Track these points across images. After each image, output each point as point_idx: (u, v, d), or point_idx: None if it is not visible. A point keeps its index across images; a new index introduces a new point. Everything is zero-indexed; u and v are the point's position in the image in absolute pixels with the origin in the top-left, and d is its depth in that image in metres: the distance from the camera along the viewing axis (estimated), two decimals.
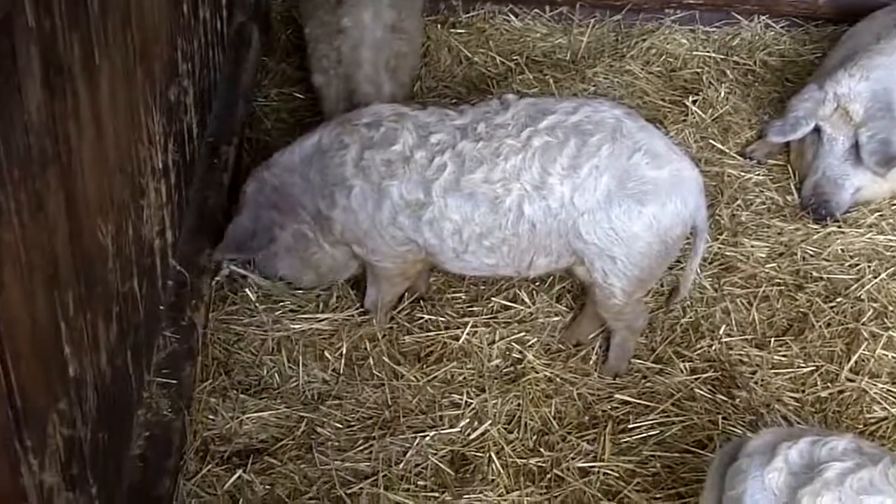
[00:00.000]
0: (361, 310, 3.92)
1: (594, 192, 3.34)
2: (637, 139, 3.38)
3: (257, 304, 3.90)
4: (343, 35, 4.25)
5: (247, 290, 3.93)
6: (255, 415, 3.54)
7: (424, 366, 3.74)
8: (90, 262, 2.62)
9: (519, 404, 3.62)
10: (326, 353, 3.76)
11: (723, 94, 5.06)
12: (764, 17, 5.59)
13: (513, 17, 5.53)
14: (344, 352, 3.76)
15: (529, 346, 3.82)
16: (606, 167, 3.33)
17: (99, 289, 2.70)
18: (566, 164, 3.34)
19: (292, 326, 3.84)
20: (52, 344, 2.38)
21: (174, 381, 3.36)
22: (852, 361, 3.79)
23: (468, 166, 3.39)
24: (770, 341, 3.89)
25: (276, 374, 3.70)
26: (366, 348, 3.79)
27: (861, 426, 3.60)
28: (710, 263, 4.16)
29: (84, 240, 2.56)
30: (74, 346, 2.51)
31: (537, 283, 4.05)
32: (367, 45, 4.24)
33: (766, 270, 4.18)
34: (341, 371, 3.72)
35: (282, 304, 3.93)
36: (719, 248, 4.23)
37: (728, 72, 5.26)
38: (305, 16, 4.55)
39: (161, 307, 3.47)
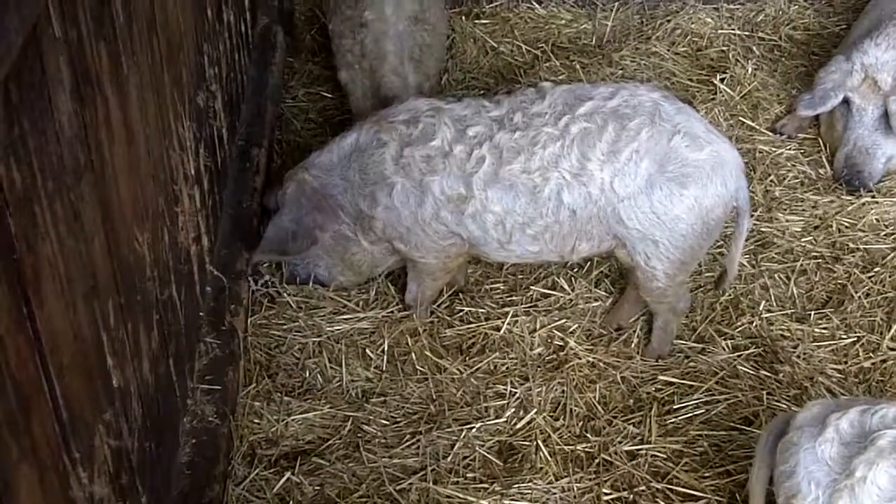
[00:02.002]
0: (400, 306, 3.92)
1: (635, 178, 3.32)
2: (676, 122, 3.35)
3: (297, 309, 3.90)
4: (366, 29, 4.26)
5: (285, 295, 3.94)
6: (301, 416, 3.55)
7: (467, 358, 3.74)
8: (128, 271, 2.63)
9: (563, 391, 3.61)
10: (368, 352, 3.77)
11: (750, 70, 5.03)
12: None
13: (536, 5, 5.53)
14: (386, 349, 3.76)
15: (571, 332, 3.81)
16: (647, 151, 3.31)
17: (138, 297, 2.71)
18: (606, 149, 3.32)
19: (333, 328, 3.85)
20: (95, 355, 2.38)
21: (218, 387, 3.37)
22: (893, 330, 3.77)
23: (506, 157, 3.38)
24: (810, 315, 3.87)
25: (318, 376, 3.70)
26: (407, 344, 3.79)
27: None
28: (746, 240, 4.11)
29: (121, 249, 2.57)
30: (117, 356, 2.51)
31: (575, 270, 4.03)
32: (390, 38, 4.25)
33: (803, 244, 4.16)
34: (384, 368, 3.72)
35: (321, 306, 3.94)
36: (755, 224, 4.21)
37: (754, 48, 5.24)
38: (329, 12, 4.56)
39: (201, 313, 3.48)
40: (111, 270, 2.47)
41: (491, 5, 5.49)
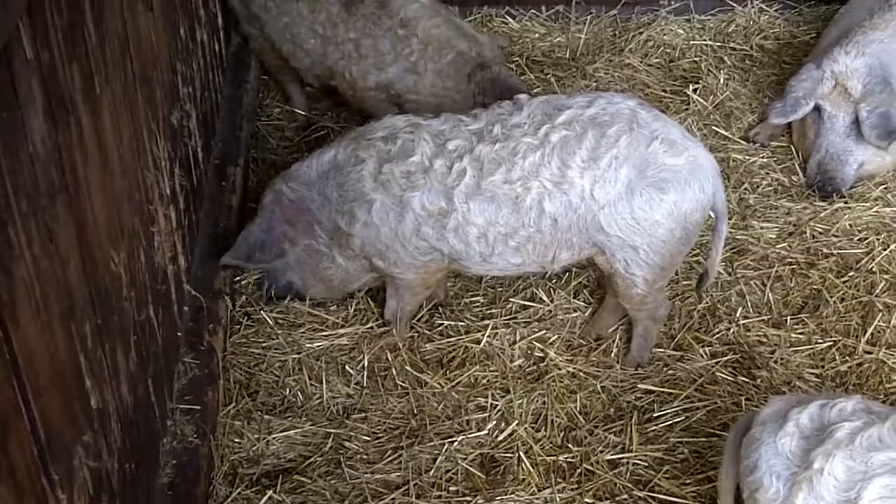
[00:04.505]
0: (380, 321, 3.92)
1: (615, 184, 3.33)
2: (653, 128, 3.38)
3: (276, 327, 3.90)
4: (413, 22, 4.41)
5: (263, 313, 3.93)
6: (282, 434, 3.54)
7: (448, 371, 3.74)
8: (105, 292, 2.62)
9: (544, 402, 3.61)
10: (348, 368, 3.76)
11: (722, 80, 5.08)
12: (757, 2, 5.65)
13: (510, 19, 5.56)
14: (366, 364, 3.76)
15: (550, 343, 3.82)
16: (626, 157, 3.33)
17: (116, 318, 2.71)
18: (586, 156, 3.34)
19: (312, 345, 3.84)
20: (73, 377, 2.38)
21: (197, 407, 3.36)
22: (868, 334, 3.80)
23: (487, 169, 3.38)
24: (786, 320, 3.90)
25: (299, 393, 3.69)
26: (387, 359, 3.79)
27: (882, 396, 3.60)
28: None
29: (97, 270, 2.56)
30: (95, 377, 2.51)
31: (554, 281, 4.05)
32: (443, 17, 4.47)
33: (778, 250, 4.19)
34: (364, 384, 3.72)
35: (300, 323, 3.93)
36: (730, 231, 4.23)
37: (726, 58, 5.28)
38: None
39: (179, 333, 3.47)
40: (87, 291, 2.47)
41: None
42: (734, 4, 5.61)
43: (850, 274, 4.06)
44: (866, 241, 4.22)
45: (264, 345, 3.85)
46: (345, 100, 4.65)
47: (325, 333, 3.89)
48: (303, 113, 4.94)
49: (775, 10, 5.62)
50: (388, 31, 4.34)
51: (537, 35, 5.49)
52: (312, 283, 3.86)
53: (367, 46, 4.36)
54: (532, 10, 5.58)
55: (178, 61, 3.64)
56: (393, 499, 3.33)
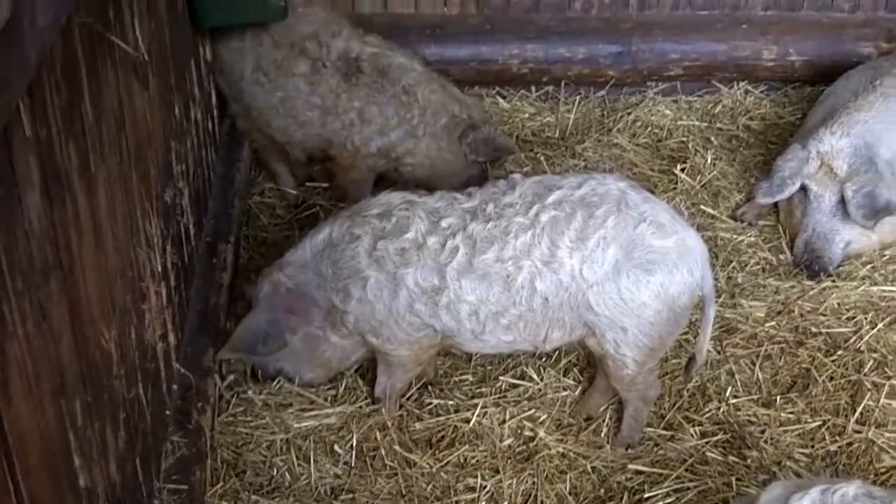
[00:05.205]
0: (369, 400, 3.90)
1: (602, 264, 3.36)
2: (642, 210, 3.41)
3: (264, 406, 3.87)
4: (415, 88, 4.62)
5: (249, 392, 3.91)
6: None
7: (437, 451, 3.71)
8: (95, 369, 2.61)
9: (534, 483, 3.59)
10: (336, 447, 3.73)
11: (709, 160, 5.13)
12: (743, 84, 5.72)
13: (501, 99, 5.63)
14: (354, 444, 3.73)
15: (541, 422, 3.81)
16: (613, 238, 3.35)
17: (105, 396, 2.69)
18: (574, 236, 3.36)
19: (300, 424, 3.81)
20: (62, 455, 2.36)
21: (184, 487, 3.31)
22: (857, 413, 3.80)
23: (480, 247, 3.40)
24: (776, 399, 3.89)
25: (286, 473, 3.65)
26: (376, 438, 3.76)
27: (872, 476, 3.58)
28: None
29: (89, 347, 2.56)
30: (84, 456, 2.49)
31: (544, 359, 4.04)
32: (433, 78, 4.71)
33: (766, 329, 4.20)
34: (353, 464, 3.69)
35: (289, 402, 3.90)
36: (719, 310, 4.25)
37: (713, 138, 5.34)
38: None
39: (167, 412, 3.45)
40: (78, 369, 2.46)
41: None
42: (720, 86, 5.70)
43: (839, 353, 4.07)
44: (854, 320, 4.24)
45: (252, 424, 3.82)
46: (334, 169, 4.72)
47: (313, 413, 3.86)
48: (293, 191, 4.98)
49: (761, 92, 5.71)
50: (391, 97, 4.52)
51: (527, 115, 5.55)
52: (310, 370, 3.84)
53: (372, 113, 4.51)
54: (522, 91, 5.66)
55: (172, 139, 3.67)
56: None
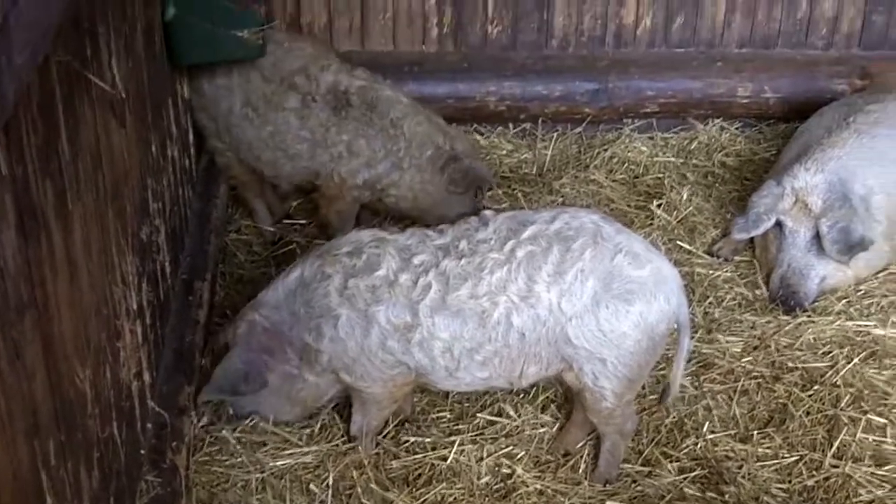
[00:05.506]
0: (345, 438, 3.88)
1: (581, 297, 3.36)
2: (617, 241, 3.43)
3: (240, 445, 3.84)
4: (402, 121, 4.65)
5: (224, 431, 3.88)
6: None
7: (414, 489, 3.69)
8: (70, 408, 2.59)
9: None
10: (312, 486, 3.70)
11: (685, 196, 5.16)
12: (718, 121, 5.78)
13: (478, 136, 5.66)
14: (331, 483, 3.70)
15: (518, 459, 3.79)
16: (591, 270, 3.37)
17: (79, 435, 2.67)
18: (552, 270, 3.37)
19: (276, 463, 3.78)
20: (35, 495, 2.33)
21: None
22: (834, 448, 3.81)
23: (453, 284, 3.41)
24: (753, 434, 3.90)
25: None
26: (353, 477, 3.73)
27: None
28: (688, 362, 4.16)
29: (63, 386, 2.54)
30: (57, 496, 2.46)
31: (521, 396, 4.04)
32: (420, 111, 4.76)
33: (743, 364, 4.21)
34: (329, 503, 3.66)
35: (265, 441, 3.87)
36: (696, 345, 4.26)
37: (689, 175, 5.39)
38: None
39: (142, 451, 3.42)
40: (52, 408, 2.44)
41: None
42: (696, 123, 5.75)
43: (816, 387, 4.08)
44: (830, 355, 4.26)
45: (227, 463, 3.79)
46: (319, 200, 4.74)
47: (289, 451, 3.83)
48: (270, 228, 4.98)
49: (736, 128, 5.76)
50: (380, 130, 4.56)
51: (505, 151, 5.58)
52: (289, 410, 3.82)
53: (360, 146, 4.54)
54: (500, 128, 5.69)
55: (148, 177, 3.67)
56: None
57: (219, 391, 3.66)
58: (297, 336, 3.61)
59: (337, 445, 3.86)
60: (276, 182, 4.78)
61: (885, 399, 4.04)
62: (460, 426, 3.93)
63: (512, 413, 3.97)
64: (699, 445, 3.85)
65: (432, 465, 3.78)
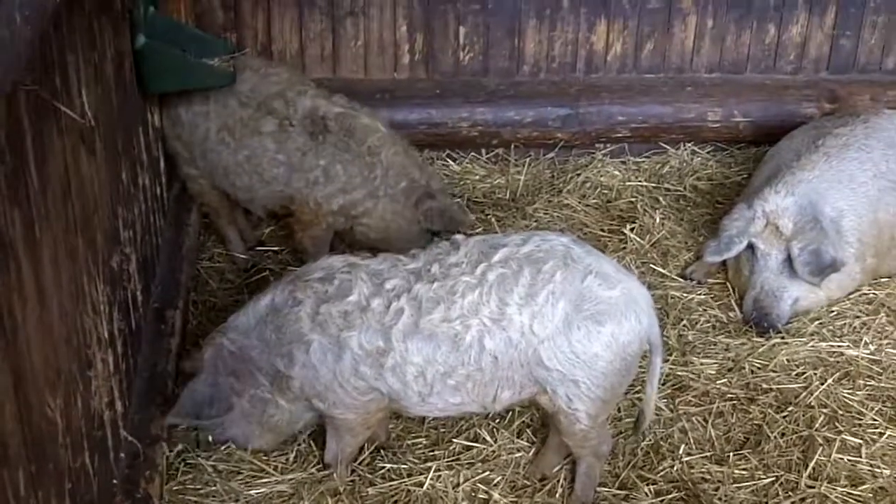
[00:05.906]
0: (320, 466, 3.85)
1: (552, 319, 3.37)
2: (587, 263, 3.44)
3: (214, 474, 3.81)
4: (380, 149, 4.63)
5: (199, 459, 3.85)
6: None
7: None
8: (40, 438, 2.56)
9: None
10: None
11: (658, 220, 5.19)
12: (690, 145, 5.82)
13: (451, 162, 5.68)
14: None
15: (495, 484, 3.78)
16: (562, 292, 3.37)
17: (50, 466, 2.64)
18: (523, 292, 3.38)
19: (251, 492, 3.74)
20: None
21: None
22: (810, 468, 3.82)
23: (426, 307, 3.40)
24: (729, 456, 3.90)
25: None
26: None
27: None
28: (663, 385, 4.18)
29: (33, 416, 2.51)
30: None
31: (497, 420, 4.03)
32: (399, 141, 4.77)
33: (718, 386, 4.23)
34: None
35: (239, 470, 3.85)
36: (671, 368, 4.28)
37: (661, 198, 5.42)
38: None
39: (115, 481, 3.38)
40: (22, 438, 2.41)
41: None
42: (667, 147, 5.80)
43: (790, 409, 4.10)
44: (804, 376, 4.28)
45: (202, 492, 3.75)
46: (294, 225, 4.74)
47: (264, 480, 3.80)
48: (243, 256, 4.97)
49: (707, 153, 5.81)
50: (357, 157, 4.55)
51: (478, 177, 5.60)
52: (260, 435, 3.78)
53: (337, 172, 4.54)
54: (472, 153, 5.72)
55: (119, 205, 3.65)
56: None
57: (183, 415, 3.63)
58: (266, 362, 3.59)
59: (312, 473, 3.84)
60: (250, 207, 4.78)
61: (860, 419, 4.07)
62: (436, 452, 3.92)
63: (488, 438, 3.96)
64: (675, 468, 3.85)
65: (408, 491, 3.76)
